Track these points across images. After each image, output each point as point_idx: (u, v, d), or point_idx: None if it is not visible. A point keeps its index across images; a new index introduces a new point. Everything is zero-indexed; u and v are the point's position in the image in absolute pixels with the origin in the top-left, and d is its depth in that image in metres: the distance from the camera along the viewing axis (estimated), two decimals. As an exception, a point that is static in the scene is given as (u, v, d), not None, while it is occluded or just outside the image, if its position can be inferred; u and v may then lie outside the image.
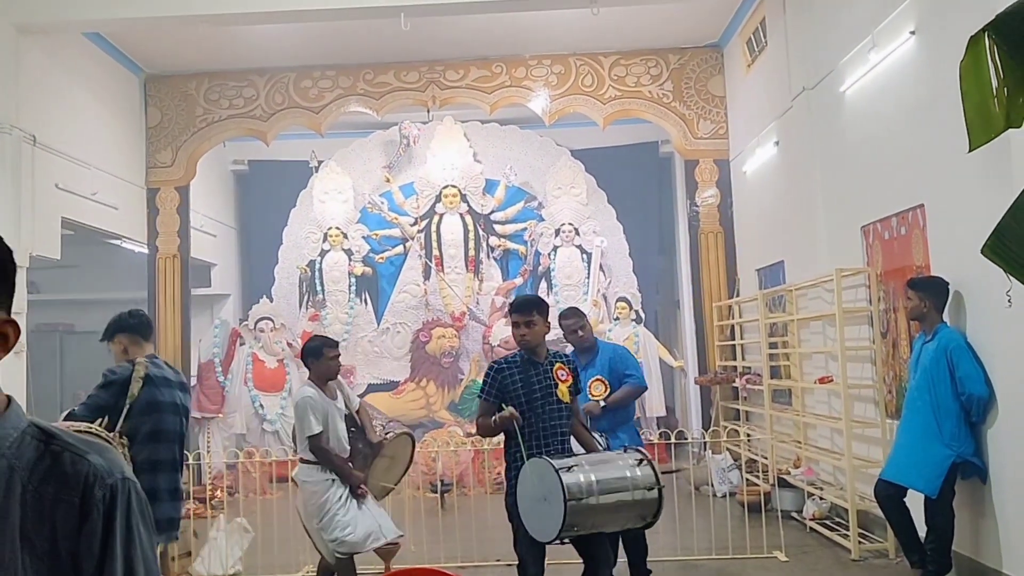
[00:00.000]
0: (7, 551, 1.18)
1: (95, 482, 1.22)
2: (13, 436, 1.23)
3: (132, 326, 4.36)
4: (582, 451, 4.29)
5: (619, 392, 5.39)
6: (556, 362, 4.24)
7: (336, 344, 5.30)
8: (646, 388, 5.94)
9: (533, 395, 4.11)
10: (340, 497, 4.97)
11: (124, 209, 9.61)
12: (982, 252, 2.25)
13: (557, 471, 3.73)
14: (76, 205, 8.65)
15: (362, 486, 5.04)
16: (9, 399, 1.25)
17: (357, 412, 5.37)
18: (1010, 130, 1.80)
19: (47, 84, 8.33)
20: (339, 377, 5.28)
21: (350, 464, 5.11)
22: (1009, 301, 3.83)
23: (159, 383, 4.19)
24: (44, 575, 1.20)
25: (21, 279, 7.71)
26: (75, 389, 10.39)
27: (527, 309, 4.18)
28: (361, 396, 10.94)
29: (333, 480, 4.96)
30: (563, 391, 4.15)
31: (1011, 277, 2.11)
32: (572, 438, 4.30)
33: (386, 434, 5.60)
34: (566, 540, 3.87)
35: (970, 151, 1.89)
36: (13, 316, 1.28)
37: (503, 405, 4.09)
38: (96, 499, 1.22)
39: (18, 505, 1.20)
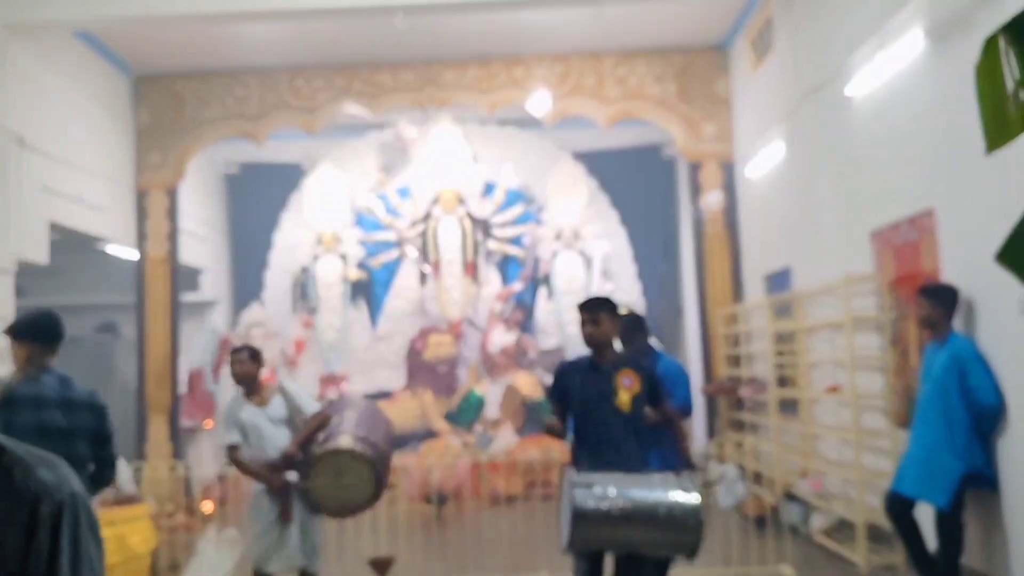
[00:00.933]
0: None
1: (44, 498, 1.21)
2: None
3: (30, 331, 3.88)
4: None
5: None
6: (623, 367, 4.09)
7: (242, 349, 5.06)
8: (688, 414, 5.24)
9: (589, 401, 4.04)
10: (263, 508, 4.86)
11: (112, 212, 9.43)
12: (996, 259, 2.15)
13: (573, 484, 3.65)
14: (64, 208, 8.48)
15: (285, 497, 4.82)
16: None
17: (307, 420, 5.00)
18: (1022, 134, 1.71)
19: (35, 84, 8.16)
20: (286, 383, 5.12)
21: (280, 470, 4.87)
22: None
23: (25, 402, 3.69)
24: None
25: (8, 284, 7.53)
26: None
27: (595, 306, 4.15)
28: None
29: (264, 489, 4.84)
30: (623, 399, 3.99)
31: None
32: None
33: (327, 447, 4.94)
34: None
35: (987, 154, 1.79)
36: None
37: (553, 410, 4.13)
38: (43, 516, 1.20)
39: None
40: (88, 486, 3.72)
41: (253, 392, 4.96)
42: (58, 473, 1.25)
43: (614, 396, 4.00)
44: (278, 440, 4.87)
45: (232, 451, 4.82)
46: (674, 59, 9.90)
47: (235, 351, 5.04)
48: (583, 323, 4.15)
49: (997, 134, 1.86)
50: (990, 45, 1.76)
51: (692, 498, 3.62)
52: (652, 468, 4.11)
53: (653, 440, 4.70)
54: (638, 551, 3.92)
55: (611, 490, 3.60)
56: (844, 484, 6.76)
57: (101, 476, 3.89)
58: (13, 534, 1.19)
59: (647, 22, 9.17)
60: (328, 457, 4.71)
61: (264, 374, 5.20)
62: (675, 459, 4.69)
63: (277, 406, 4.94)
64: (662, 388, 4.21)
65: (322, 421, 4.92)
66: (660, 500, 3.62)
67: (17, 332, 3.86)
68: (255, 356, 5.04)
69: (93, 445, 3.79)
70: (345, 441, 4.73)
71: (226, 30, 8.84)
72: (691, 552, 3.70)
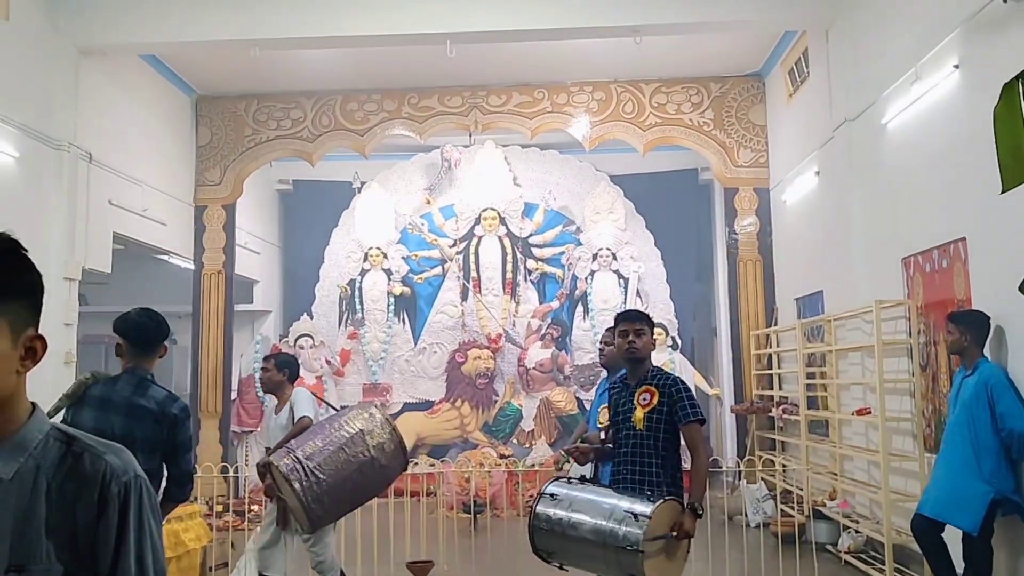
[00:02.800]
0: (34, 541, 1.31)
1: (111, 479, 1.36)
2: (38, 438, 1.36)
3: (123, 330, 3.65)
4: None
5: None
6: (644, 384, 3.96)
7: (266, 358, 5.32)
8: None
9: (617, 418, 4.02)
10: (270, 513, 5.08)
11: (172, 225, 9.87)
12: (1020, 289, 2.28)
13: (541, 494, 3.76)
14: (127, 220, 8.90)
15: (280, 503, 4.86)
16: (34, 406, 1.39)
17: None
18: None
19: (104, 104, 8.60)
20: (298, 389, 5.20)
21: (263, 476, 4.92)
22: None
23: (92, 403, 3.54)
24: (66, 562, 1.32)
25: (73, 292, 7.95)
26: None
27: (637, 319, 4.04)
28: (396, 415, 11.13)
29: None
30: (637, 416, 3.88)
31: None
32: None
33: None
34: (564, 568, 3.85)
35: (1003, 192, 1.95)
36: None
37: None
38: (112, 495, 1.35)
39: (43, 500, 1.33)
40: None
41: (278, 399, 5.19)
42: (123, 458, 1.40)
43: (632, 413, 3.93)
44: (273, 442, 5.01)
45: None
46: (711, 87, 10.16)
47: (265, 359, 5.24)
48: (624, 334, 3.99)
49: (1014, 173, 2.02)
50: (1009, 89, 1.94)
51: (633, 530, 3.45)
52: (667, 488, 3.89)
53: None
54: (594, 571, 3.83)
55: (568, 506, 3.66)
56: (872, 505, 6.88)
57: (168, 492, 3.57)
58: (85, 511, 1.33)
59: (686, 51, 9.43)
60: (271, 468, 4.50)
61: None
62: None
63: (285, 412, 5.11)
64: (682, 406, 3.90)
65: (299, 429, 4.81)
66: (602, 524, 3.54)
67: (114, 326, 3.66)
68: (282, 365, 5.17)
69: (160, 457, 3.50)
70: (275, 455, 4.52)
71: (283, 55, 9.23)
72: None
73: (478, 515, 8.10)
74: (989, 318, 5.06)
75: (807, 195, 8.74)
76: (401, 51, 9.00)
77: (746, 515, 8.17)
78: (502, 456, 9.88)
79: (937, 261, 5.98)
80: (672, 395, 3.90)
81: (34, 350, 1.34)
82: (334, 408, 5.30)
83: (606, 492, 3.79)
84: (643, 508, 3.51)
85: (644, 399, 3.90)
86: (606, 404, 4.49)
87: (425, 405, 11.24)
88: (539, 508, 3.71)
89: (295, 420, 4.97)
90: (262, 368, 5.22)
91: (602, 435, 4.20)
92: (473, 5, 7.90)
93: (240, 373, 10.75)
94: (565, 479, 3.98)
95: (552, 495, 3.73)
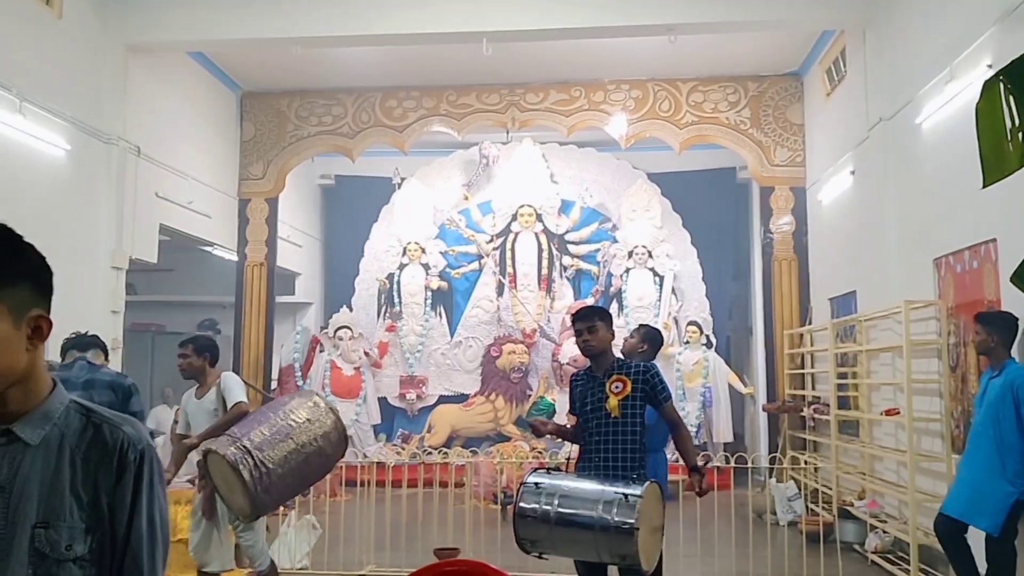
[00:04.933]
0: (60, 501, 1.45)
1: (128, 448, 1.50)
2: (60, 410, 1.50)
3: None
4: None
5: None
6: (615, 374, 4.12)
7: (183, 343, 5.03)
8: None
9: (585, 407, 4.15)
10: (195, 502, 4.98)
11: (217, 218, 10.14)
12: (1011, 280, 2.33)
13: (523, 484, 3.82)
14: (173, 212, 9.19)
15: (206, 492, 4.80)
16: (54, 381, 1.53)
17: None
18: None
19: (152, 99, 8.88)
20: (225, 374, 5.06)
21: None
22: None
23: None
24: (87, 521, 1.46)
25: (120, 280, 8.25)
26: (163, 386, 10.97)
27: (589, 316, 4.20)
28: (432, 407, 11.30)
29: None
30: (611, 404, 4.03)
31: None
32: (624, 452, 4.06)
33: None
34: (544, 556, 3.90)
35: (983, 187, 1.99)
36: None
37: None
38: (129, 461, 1.50)
39: (68, 465, 1.47)
40: None
41: (200, 384, 5.01)
42: (137, 429, 1.54)
43: (606, 401, 4.04)
44: (195, 427, 4.91)
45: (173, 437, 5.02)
46: (749, 86, 10.15)
47: (183, 344, 4.97)
48: (579, 332, 4.17)
49: (995, 169, 2.08)
50: (989, 87, 1.99)
51: (628, 512, 3.55)
52: (651, 473, 4.09)
53: (655, 445, 4.62)
54: (581, 557, 3.95)
55: (555, 494, 3.70)
56: (900, 505, 6.86)
57: None
58: (105, 476, 1.48)
59: (723, 50, 9.45)
60: (210, 455, 4.39)
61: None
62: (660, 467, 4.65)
63: (211, 397, 4.93)
64: (658, 390, 4.09)
65: (235, 415, 4.70)
66: (594, 508, 3.62)
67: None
68: (201, 349, 4.99)
69: None
70: (216, 443, 4.38)
71: (325, 53, 9.45)
72: (631, 565, 3.61)
73: (507, 506, 8.21)
74: (1017, 319, 5.02)
75: (843, 195, 8.70)
76: (439, 49, 9.15)
77: (775, 513, 8.18)
78: (533, 449, 9.97)
79: (968, 262, 5.95)
80: (647, 380, 4.08)
81: (40, 328, 1.46)
82: (268, 396, 5.25)
83: (589, 479, 3.92)
84: (632, 490, 3.64)
85: (616, 387, 4.05)
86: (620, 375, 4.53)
87: (460, 398, 11.39)
88: (524, 497, 3.75)
89: (227, 406, 4.84)
90: (180, 354, 4.94)
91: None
92: (509, 4, 8.02)
93: (281, 363, 11.02)
94: (544, 469, 4.07)
95: (536, 484, 3.77)
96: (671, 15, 7.85)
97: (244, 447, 4.21)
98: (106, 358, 4.37)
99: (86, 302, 7.68)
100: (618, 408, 4.04)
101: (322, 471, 4.71)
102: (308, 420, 4.48)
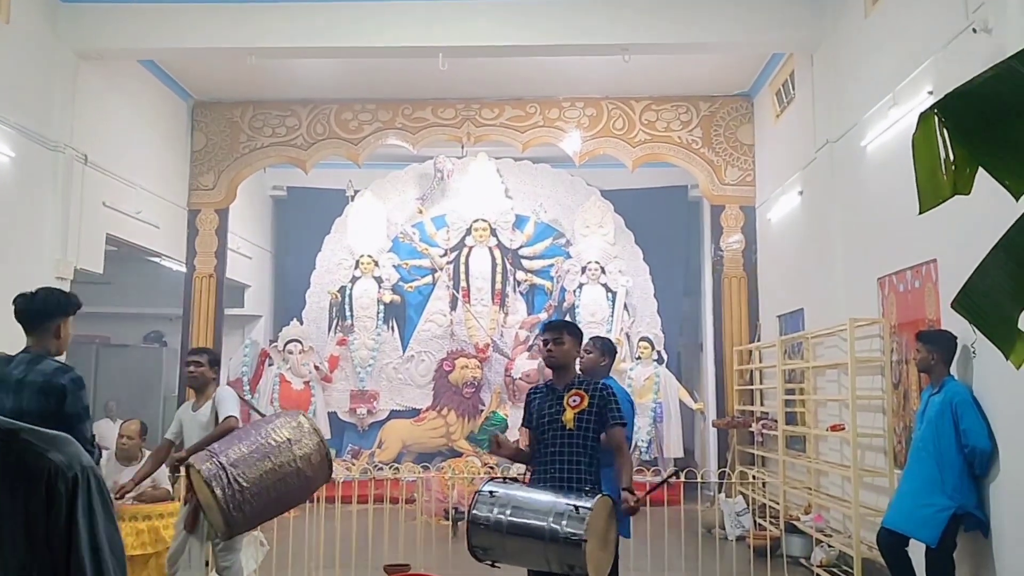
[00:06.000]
0: None
1: (57, 476, 1.40)
2: None
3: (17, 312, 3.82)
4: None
5: None
6: (573, 388, 4.19)
7: (196, 351, 5.20)
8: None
9: (543, 420, 4.18)
10: (180, 513, 5.05)
11: (165, 228, 9.97)
12: (952, 305, 2.42)
13: (478, 493, 3.85)
14: (120, 222, 9.01)
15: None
16: None
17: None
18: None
19: (101, 107, 8.72)
20: (221, 388, 5.11)
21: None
22: (974, 352, 3.91)
23: None
24: (22, 552, 1.38)
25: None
26: (107, 399, 10.73)
27: (558, 328, 4.28)
28: (383, 422, 11.22)
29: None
30: (567, 417, 4.09)
31: (975, 330, 2.29)
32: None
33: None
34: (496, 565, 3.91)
35: (920, 214, 2.07)
36: None
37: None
38: (59, 492, 1.40)
39: None
40: None
41: (199, 395, 5.05)
42: (68, 452, 1.42)
43: (562, 414, 4.10)
44: (189, 441, 4.91)
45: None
46: (700, 106, 10.34)
47: (196, 352, 5.06)
48: (544, 343, 4.25)
49: (930, 196, 2.18)
50: (925, 119, 2.09)
51: (576, 522, 3.60)
52: (605, 488, 4.10)
53: (610, 460, 4.57)
54: (531, 566, 3.98)
55: (508, 504, 3.74)
56: (844, 520, 6.99)
57: None
58: (35, 505, 1.38)
59: (676, 70, 9.60)
60: (191, 469, 4.37)
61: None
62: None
63: (206, 410, 4.96)
64: (610, 410, 4.13)
65: (224, 430, 4.69)
66: (544, 518, 3.66)
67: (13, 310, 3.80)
68: (213, 362, 5.10)
69: (54, 428, 3.66)
70: (196, 457, 4.37)
71: (280, 64, 9.38)
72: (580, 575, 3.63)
73: (458, 522, 8.19)
74: (956, 338, 5.17)
75: (791, 214, 8.90)
76: (396, 63, 9.16)
77: (724, 528, 8.28)
78: (485, 465, 9.96)
79: (910, 281, 6.12)
80: (603, 398, 4.14)
81: None
82: (259, 413, 5.27)
83: (542, 490, 3.96)
84: (583, 503, 3.68)
85: (574, 401, 4.12)
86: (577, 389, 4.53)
87: (411, 413, 11.34)
88: (478, 506, 3.78)
89: (219, 419, 4.86)
90: (194, 362, 4.99)
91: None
92: (466, 20, 8.05)
93: (229, 376, 10.85)
94: (500, 479, 4.10)
95: (491, 493, 3.81)
96: (625, 35, 7.96)
97: (220, 463, 4.19)
98: (57, 336, 3.78)
99: (28, 313, 7.48)
100: (573, 421, 4.10)
101: (302, 493, 4.63)
102: (289, 440, 4.44)
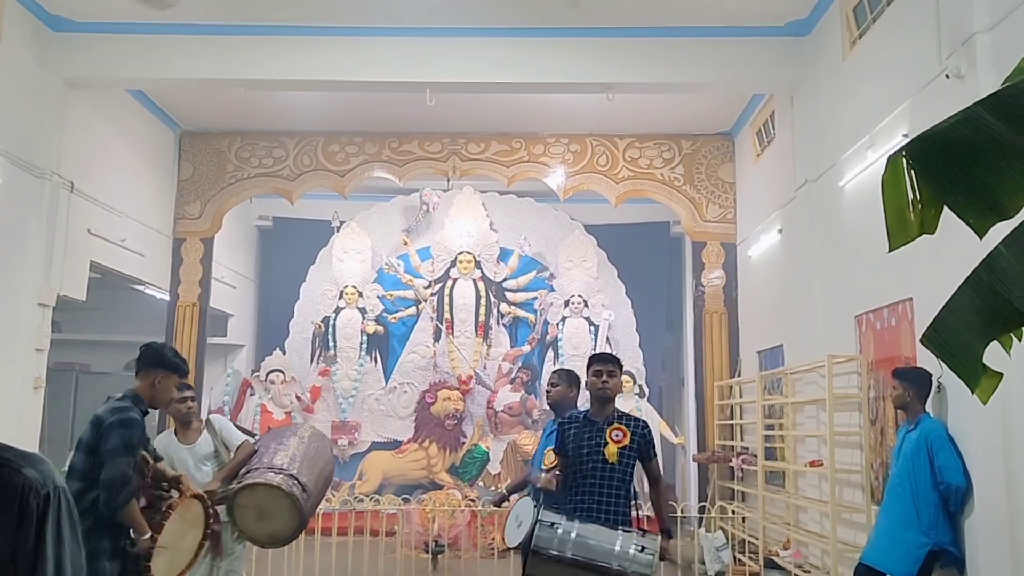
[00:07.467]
0: None
1: (30, 493, 1.42)
2: None
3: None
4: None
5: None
6: (615, 423, 4.29)
7: (188, 386, 5.01)
8: None
9: (581, 451, 4.24)
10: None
11: (150, 256, 9.97)
12: (921, 341, 2.49)
13: (538, 521, 3.88)
14: (105, 250, 9.01)
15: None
16: None
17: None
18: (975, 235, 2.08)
19: (88, 135, 8.76)
20: (213, 417, 5.20)
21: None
22: (939, 387, 3.97)
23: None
24: None
25: (47, 318, 8.02)
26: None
27: (612, 361, 4.42)
28: (364, 453, 11.18)
29: None
30: (611, 451, 4.20)
31: (943, 364, 2.36)
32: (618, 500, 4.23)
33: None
34: None
35: (889, 252, 2.15)
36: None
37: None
38: (30, 508, 1.41)
39: None
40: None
41: (186, 428, 5.05)
42: (42, 470, 1.44)
43: (604, 448, 4.19)
44: (203, 477, 4.87)
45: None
46: (683, 144, 10.52)
47: (189, 387, 4.99)
48: (598, 374, 4.34)
49: (899, 235, 2.26)
50: (893, 162, 2.18)
51: (646, 558, 3.78)
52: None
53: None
54: None
55: (571, 535, 3.83)
56: (823, 555, 7.02)
57: (98, 497, 3.72)
58: (5, 522, 1.39)
59: (660, 109, 9.78)
60: (247, 490, 4.54)
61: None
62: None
63: (204, 442, 4.99)
64: (651, 448, 4.34)
65: (247, 455, 4.81)
66: (614, 554, 3.79)
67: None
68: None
69: (97, 461, 3.74)
70: (264, 476, 4.55)
71: (268, 95, 9.46)
72: None
73: (439, 555, 8.15)
74: (931, 375, 5.24)
75: (771, 251, 9.02)
76: (383, 97, 9.26)
77: (704, 563, 8.28)
78: (466, 498, 9.93)
79: (887, 319, 6.22)
80: (644, 436, 4.32)
81: None
82: (247, 431, 5.29)
83: (597, 525, 4.05)
84: (647, 542, 3.89)
85: (617, 435, 4.24)
86: (551, 447, 4.67)
87: (393, 444, 11.29)
88: (540, 536, 3.83)
89: (230, 446, 4.94)
90: (190, 397, 5.04)
91: (543, 474, 4.46)
92: (454, 56, 8.18)
93: (210, 405, 10.79)
94: (553, 508, 4.13)
95: (552, 523, 3.88)
96: (609, 74, 8.11)
97: (293, 476, 4.56)
98: (152, 387, 4.03)
99: (9, 339, 7.46)
100: (616, 456, 4.21)
101: (327, 488, 5.11)
102: (319, 447, 4.97)
